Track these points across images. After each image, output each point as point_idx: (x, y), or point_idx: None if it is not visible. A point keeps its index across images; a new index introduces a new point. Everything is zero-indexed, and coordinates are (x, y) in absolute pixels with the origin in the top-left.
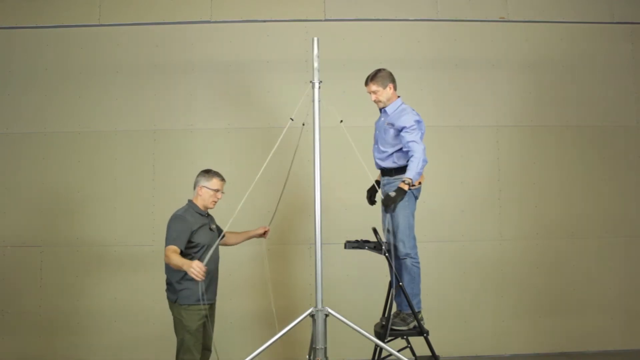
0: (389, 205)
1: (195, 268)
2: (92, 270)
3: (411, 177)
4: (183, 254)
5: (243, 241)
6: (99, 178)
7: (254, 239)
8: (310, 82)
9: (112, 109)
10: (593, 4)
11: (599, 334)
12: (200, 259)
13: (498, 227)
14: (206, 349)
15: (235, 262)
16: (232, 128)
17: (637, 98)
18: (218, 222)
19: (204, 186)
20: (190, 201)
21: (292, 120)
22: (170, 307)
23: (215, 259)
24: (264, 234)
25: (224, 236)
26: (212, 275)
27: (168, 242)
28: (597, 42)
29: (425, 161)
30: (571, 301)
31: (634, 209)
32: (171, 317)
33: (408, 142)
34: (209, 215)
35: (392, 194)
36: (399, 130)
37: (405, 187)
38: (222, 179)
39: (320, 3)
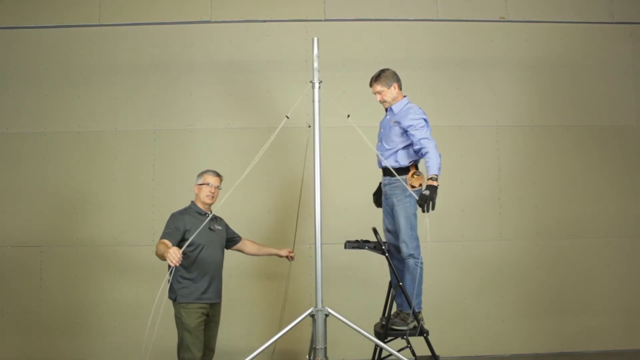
0: (427, 203)
1: (171, 253)
2: (92, 270)
3: (436, 173)
4: None
5: (263, 255)
6: (99, 178)
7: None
8: (310, 82)
9: (112, 109)
10: (593, 4)
11: (599, 334)
12: (194, 253)
13: (498, 227)
14: (209, 348)
15: (237, 262)
16: (232, 128)
17: (637, 98)
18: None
19: (197, 184)
20: (192, 202)
21: (288, 117)
22: (173, 306)
23: (216, 260)
24: (286, 257)
25: (237, 241)
26: (212, 275)
27: (162, 237)
28: (597, 42)
29: (440, 155)
30: (571, 301)
31: (633, 209)
32: (172, 317)
33: (420, 139)
34: (212, 215)
35: (426, 192)
36: (406, 129)
37: (435, 184)
38: (216, 175)
39: (320, 3)
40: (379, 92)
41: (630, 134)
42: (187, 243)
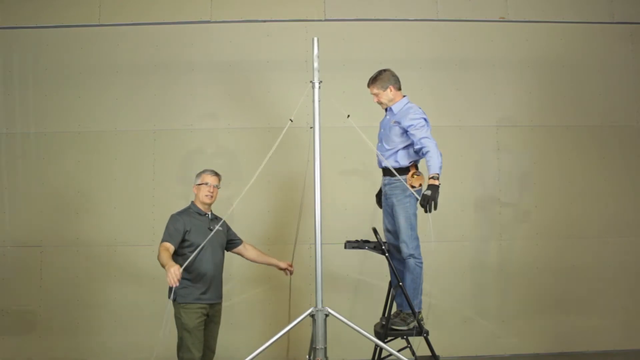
0: (429, 203)
1: (172, 274)
2: (92, 270)
3: (437, 172)
4: (178, 253)
5: (262, 263)
6: (99, 178)
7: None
8: (310, 82)
9: (112, 109)
10: (593, 4)
11: (599, 334)
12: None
13: (498, 227)
14: (209, 349)
15: (238, 264)
16: (232, 128)
17: (637, 98)
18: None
19: (195, 184)
20: (191, 202)
21: (292, 121)
22: (172, 306)
23: (216, 260)
24: (285, 269)
25: (238, 244)
26: (212, 275)
27: (163, 239)
28: (597, 42)
29: (441, 154)
30: (571, 301)
31: (633, 209)
32: (172, 317)
33: (420, 138)
34: (212, 216)
35: (428, 192)
36: (406, 129)
37: (437, 182)
38: (214, 174)
39: (320, 3)
40: (376, 95)
41: (630, 134)
42: (188, 260)
